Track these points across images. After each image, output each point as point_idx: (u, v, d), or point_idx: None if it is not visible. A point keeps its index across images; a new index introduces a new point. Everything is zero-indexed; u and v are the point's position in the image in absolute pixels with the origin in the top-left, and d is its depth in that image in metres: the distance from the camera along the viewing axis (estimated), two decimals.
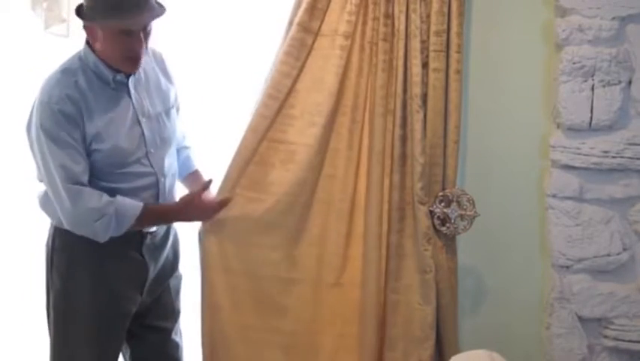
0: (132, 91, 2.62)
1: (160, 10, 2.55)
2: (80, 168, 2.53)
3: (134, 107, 2.62)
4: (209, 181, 2.73)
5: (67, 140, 2.50)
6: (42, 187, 2.66)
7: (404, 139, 2.69)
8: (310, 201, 2.76)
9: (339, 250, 2.77)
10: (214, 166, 2.87)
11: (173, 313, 2.84)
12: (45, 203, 2.64)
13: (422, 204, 2.70)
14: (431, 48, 2.66)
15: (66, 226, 2.57)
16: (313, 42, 2.70)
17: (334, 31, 2.68)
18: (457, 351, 2.69)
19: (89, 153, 2.55)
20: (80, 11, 2.55)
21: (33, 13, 3.25)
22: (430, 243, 2.71)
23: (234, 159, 2.74)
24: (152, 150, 2.66)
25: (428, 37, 2.66)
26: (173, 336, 2.84)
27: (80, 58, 2.58)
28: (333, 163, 2.75)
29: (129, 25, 2.50)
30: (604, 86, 2.60)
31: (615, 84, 2.60)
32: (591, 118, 2.61)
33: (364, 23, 2.68)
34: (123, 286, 2.66)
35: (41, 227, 2.78)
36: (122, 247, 2.62)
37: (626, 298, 2.68)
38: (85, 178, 2.54)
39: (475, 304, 2.89)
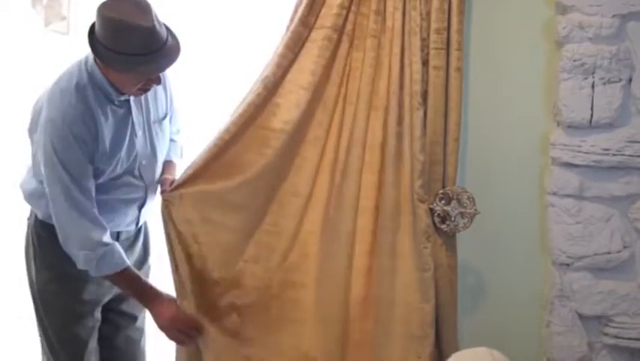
0: (133, 106, 2.63)
1: (177, 46, 2.51)
2: (88, 185, 2.55)
3: (132, 123, 2.63)
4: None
5: (76, 161, 2.51)
6: (30, 181, 2.67)
7: (400, 136, 2.69)
8: (277, 188, 2.75)
9: (297, 245, 2.76)
10: None
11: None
12: (35, 198, 2.65)
13: (422, 202, 2.70)
14: (431, 46, 2.66)
15: (60, 236, 2.58)
16: (307, 35, 2.70)
17: (324, 24, 2.68)
18: (456, 349, 2.69)
19: (92, 170, 2.57)
20: (92, 41, 2.48)
21: (33, 11, 3.25)
22: (429, 241, 2.71)
23: (213, 141, 2.72)
24: (143, 162, 2.69)
25: (428, 34, 2.66)
26: (139, 323, 2.92)
27: (87, 71, 2.53)
28: (308, 153, 2.74)
29: (149, 75, 2.51)
30: (604, 84, 2.60)
31: (616, 82, 2.60)
32: (592, 116, 2.61)
33: (356, 19, 2.68)
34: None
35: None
36: None
37: (627, 296, 2.68)
38: (93, 201, 2.56)
39: (475, 302, 2.89)
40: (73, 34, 3.22)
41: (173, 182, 2.74)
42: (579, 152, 2.62)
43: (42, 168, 2.54)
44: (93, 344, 2.80)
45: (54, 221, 2.59)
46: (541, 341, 2.80)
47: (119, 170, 2.64)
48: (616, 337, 2.69)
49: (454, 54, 2.65)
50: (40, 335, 2.81)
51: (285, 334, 2.77)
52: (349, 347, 2.77)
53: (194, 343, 2.73)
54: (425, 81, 2.67)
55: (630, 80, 2.60)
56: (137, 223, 2.81)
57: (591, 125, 2.61)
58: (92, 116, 2.52)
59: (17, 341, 3.47)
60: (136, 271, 2.70)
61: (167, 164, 2.85)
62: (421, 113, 2.66)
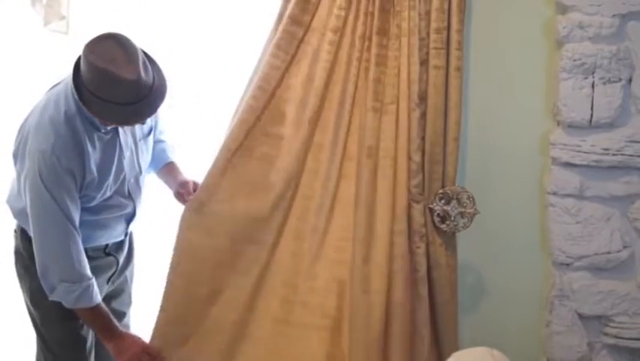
0: (120, 131, 2.62)
1: (162, 90, 2.49)
2: (74, 215, 2.54)
3: (120, 145, 2.62)
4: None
5: (63, 191, 2.49)
6: (18, 200, 2.65)
7: (398, 136, 2.68)
8: (294, 195, 2.75)
9: (312, 250, 2.76)
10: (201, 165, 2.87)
11: (129, 299, 2.96)
12: (25, 215, 2.62)
13: (416, 202, 2.69)
14: (431, 45, 2.66)
15: (39, 266, 2.56)
16: (303, 36, 2.69)
17: (324, 26, 2.68)
18: (456, 349, 2.69)
19: (81, 197, 2.56)
20: (76, 80, 2.45)
21: (32, 10, 3.24)
22: (422, 241, 2.71)
23: (221, 151, 2.73)
24: (131, 180, 2.69)
25: (428, 34, 2.66)
26: (126, 320, 2.94)
27: (74, 100, 2.49)
28: (317, 158, 2.74)
29: (132, 124, 2.52)
30: (604, 84, 2.60)
31: (616, 81, 2.59)
32: (591, 115, 2.61)
33: (356, 18, 2.67)
34: (98, 278, 2.70)
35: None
36: (97, 250, 2.72)
37: (626, 296, 2.68)
38: (77, 225, 2.55)
39: (475, 302, 2.89)
40: (72, 33, 3.21)
41: (194, 185, 2.77)
42: (579, 151, 2.62)
43: (27, 195, 2.51)
44: (91, 342, 2.81)
45: (35, 250, 2.56)
46: (540, 340, 2.80)
47: (108, 193, 2.64)
48: (616, 337, 2.69)
49: (454, 54, 2.65)
50: (40, 347, 2.80)
51: (311, 340, 2.77)
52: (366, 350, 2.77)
53: None
54: (425, 81, 2.67)
55: (630, 79, 2.60)
56: (126, 234, 2.84)
57: (591, 125, 2.61)
58: (80, 146, 2.50)
59: (17, 340, 3.46)
60: (105, 309, 2.69)
61: (171, 165, 2.87)
62: (417, 113, 2.66)
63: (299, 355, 2.76)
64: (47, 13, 3.19)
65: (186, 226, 2.74)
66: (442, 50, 2.65)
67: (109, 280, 2.83)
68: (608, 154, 2.61)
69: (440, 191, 2.72)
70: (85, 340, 2.78)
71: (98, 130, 2.55)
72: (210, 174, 2.73)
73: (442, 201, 2.71)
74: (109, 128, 2.57)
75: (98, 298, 2.64)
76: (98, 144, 2.56)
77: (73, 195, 2.52)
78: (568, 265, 2.69)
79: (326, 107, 2.72)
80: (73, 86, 2.45)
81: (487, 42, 2.75)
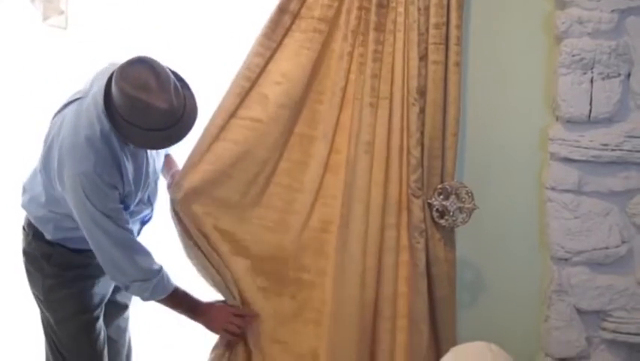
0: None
1: (193, 115, 2.53)
2: (127, 223, 2.59)
3: (147, 155, 2.66)
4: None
5: (111, 204, 2.53)
6: (37, 210, 2.68)
7: (401, 131, 2.69)
8: (268, 182, 2.75)
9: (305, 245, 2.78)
10: None
11: None
12: (44, 222, 2.67)
13: (416, 197, 2.70)
14: (430, 41, 2.65)
15: (110, 274, 2.63)
16: (291, 24, 2.68)
17: (312, 15, 2.66)
18: (455, 343, 2.69)
19: None
20: (108, 103, 2.47)
21: (31, 5, 3.24)
22: (421, 236, 2.71)
23: (203, 135, 2.71)
24: (152, 185, 2.73)
25: (427, 29, 2.65)
26: (128, 312, 2.97)
27: (107, 118, 2.50)
28: (302, 149, 2.73)
29: (161, 148, 2.59)
30: (603, 79, 2.60)
31: (614, 77, 2.59)
32: (590, 111, 2.61)
33: (349, 12, 2.66)
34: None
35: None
36: None
37: (625, 291, 2.68)
38: (132, 232, 2.63)
39: (474, 297, 2.89)
40: (71, 28, 3.20)
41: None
42: (578, 147, 2.62)
43: (76, 216, 2.54)
44: (104, 337, 2.82)
45: (100, 261, 2.60)
46: (539, 335, 2.81)
47: (138, 200, 2.67)
48: (614, 331, 2.70)
49: (453, 49, 2.65)
50: (51, 351, 2.80)
51: (300, 334, 2.79)
52: (361, 346, 2.77)
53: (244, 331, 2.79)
54: (424, 76, 2.67)
55: (629, 75, 2.60)
56: (138, 233, 2.85)
57: (590, 120, 2.61)
58: (117, 162, 2.53)
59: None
60: (181, 288, 2.73)
61: (168, 158, 2.88)
62: (416, 108, 2.66)
63: None
64: (46, 8, 3.18)
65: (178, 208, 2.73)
66: (441, 46, 2.65)
67: None
68: (606, 149, 2.61)
69: (439, 186, 2.72)
70: (98, 335, 2.78)
71: (129, 145, 2.58)
72: (190, 159, 2.72)
73: (441, 197, 2.71)
74: None
75: (171, 285, 2.67)
76: (130, 157, 2.59)
77: (120, 207, 2.57)
78: (566, 260, 2.69)
79: (312, 99, 2.71)
80: (104, 108, 2.47)
81: (486, 37, 2.75)
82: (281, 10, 2.66)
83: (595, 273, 2.69)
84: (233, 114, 2.70)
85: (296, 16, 2.67)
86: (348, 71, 2.68)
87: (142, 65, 2.42)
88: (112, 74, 2.46)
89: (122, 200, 2.58)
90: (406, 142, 2.68)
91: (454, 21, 2.63)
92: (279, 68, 2.69)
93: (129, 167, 2.58)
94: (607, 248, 2.67)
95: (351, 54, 2.67)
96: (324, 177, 2.75)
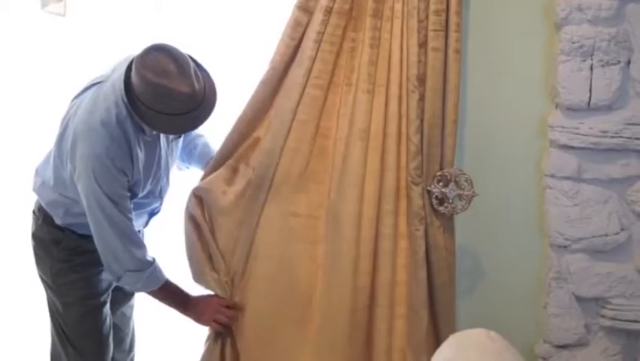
0: (162, 138, 2.68)
1: (213, 99, 2.54)
2: (129, 211, 2.61)
3: (159, 148, 2.67)
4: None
5: (120, 189, 2.55)
6: (49, 194, 2.69)
7: (399, 118, 2.69)
8: (274, 173, 2.75)
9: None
10: None
11: None
12: (55, 206, 2.69)
13: (415, 184, 2.70)
14: (430, 27, 2.64)
15: (105, 261, 2.64)
16: (308, 21, 2.68)
17: (320, 8, 2.66)
18: (454, 330, 2.69)
19: None
20: (128, 92, 2.49)
21: None
22: (421, 223, 2.71)
23: (230, 134, 2.75)
24: (164, 180, 2.74)
25: (427, 16, 2.64)
26: (133, 300, 2.98)
27: (125, 105, 2.53)
28: (298, 137, 2.73)
29: (185, 132, 2.62)
30: (603, 66, 2.59)
31: (614, 64, 2.59)
32: (590, 98, 2.61)
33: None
34: None
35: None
36: None
37: (624, 278, 2.69)
38: (132, 222, 2.63)
39: (473, 284, 2.89)
40: (70, 16, 3.20)
41: None
42: (577, 134, 2.62)
43: (82, 197, 2.56)
44: (110, 324, 2.84)
45: (97, 246, 2.62)
46: (538, 322, 2.81)
47: (146, 192, 2.69)
48: (613, 319, 2.70)
49: (452, 36, 2.64)
50: (57, 341, 2.82)
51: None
52: (356, 332, 2.78)
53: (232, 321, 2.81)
54: (424, 63, 2.66)
55: (629, 62, 2.60)
56: (146, 224, 2.87)
57: (589, 108, 2.61)
58: (130, 148, 2.55)
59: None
60: (172, 281, 2.75)
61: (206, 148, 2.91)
62: (416, 95, 2.65)
63: None
64: None
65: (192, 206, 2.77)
66: (440, 32, 2.64)
67: None
68: (606, 137, 2.61)
69: (438, 173, 2.72)
70: (104, 320, 2.80)
71: (144, 133, 2.60)
72: (219, 158, 2.78)
73: (441, 184, 2.71)
74: (153, 132, 2.62)
75: (163, 278, 2.70)
76: (143, 147, 2.60)
77: (126, 193, 2.58)
78: (565, 247, 2.69)
79: (310, 85, 2.70)
80: (125, 96, 2.49)
81: (486, 24, 2.74)
82: (299, 9, 2.66)
83: (594, 260, 2.69)
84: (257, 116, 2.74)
85: (312, 13, 2.66)
86: (337, 55, 2.67)
87: (160, 52, 2.45)
88: (130, 63, 2.49)
89: (130, 188, 2.60)
90: (405, 129, 2.68)
91: (453, 8, 2.62)
92: (292, 63, 2.71)
93: (141, 156, 2.59)
94: (606, 235, 2.67)
95: (351, 40, 2.67)
96: (311, 162, 2.75)
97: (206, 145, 2.91)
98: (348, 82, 2.69)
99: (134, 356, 3.03)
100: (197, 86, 2.47)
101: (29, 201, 2.83)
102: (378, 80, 2.67)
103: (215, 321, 2.78)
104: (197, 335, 2.91)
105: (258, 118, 2.75)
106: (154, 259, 2.68)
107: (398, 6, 2.63)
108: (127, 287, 2.74)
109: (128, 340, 3.00)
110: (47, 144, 2.72)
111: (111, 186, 2.53)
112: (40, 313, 2.91)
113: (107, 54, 3.21)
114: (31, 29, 3.40)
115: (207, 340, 2.86)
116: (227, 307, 2.78)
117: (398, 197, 2.73)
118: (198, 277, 2.82)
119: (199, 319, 2.79)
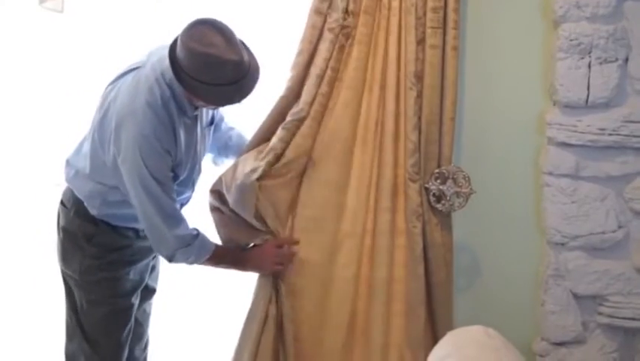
0: (198, 123, 2.68)
1: (257, 67, 2.54)
2: (174, 192, 2.62)
3: (196, 133, 2.68)
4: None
5: (166, 170, 2.57)
6: (87, 183, 2.67)
7: (397, 115, 2.69)
8: (304, 169, 2.75)
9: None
10: None
11: (158, 276, 2.98)
12: (92, 198, 2.68)
13: (413, 181, 2.70)
14: (428, 24, 2.64)
15: (154, 242, 2.65)
16: (323, 24, 2.69)
17: (328, 5, 2.67)
18: (451, 327, 2.69)
19: None
20: (175, 67, 2.49)
21: None
22: (418, 220, 2.71)
23: (255, 135, 2.77)
24: (196, 167, 2.74)
25: (424, 13, 2.64)
26: (154, 298, 2.97)
27: (168, 85, 2.54)
28: (301, 133, 2.72)
29: (235, 102, 2.56)
30: (601, 64, 2.59)
31: (612, 61, 2.59)
32: (588, 95, 2.61)
33: None
34: (145, 259, 2.82)
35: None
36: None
37: (621, 276, 2.69)
38: (176, 201, 2.64)
39: (471, 281, 2.90)
40: (67, 12, 3.20)
41: None
42: (575, 131, 2.62)
43: (128, 183, 2.56)
44: (131, 326, 2.83)
45: (146, 231, 2.64)
46: (535, 320, 2.81)
47: (183, 176, 2.69)
48: (610, 316, 2.71)
49: (450, 33, 2.64)
50: (76, 324, 2.79)
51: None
52: (354, 326, 2.79)
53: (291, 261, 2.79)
54: (421, 60, 2.66)
55: (627, 59, 2.60)
56: None
57: (587, 105, 2.61)
58: (174, 129, 2.57)
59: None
60: (221, 247, 2.76)
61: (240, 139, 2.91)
62: (414, 92, 2.65)
63: None
64: None
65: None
66: (438, 30, 2.64)
67: (153, 258, 2.88)
68: (604, 134, 2.61)
69: (436, 170, 2.72)
70: (127, 322, 2.79)
71: (185, 115, 2.61)
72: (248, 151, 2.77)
73: (438, 181, 2.71)
74: (194, 114, 2.63)
75: (212, 244, 2.70)
76: (183, 128, 2.61)
77: (170, 175, 2.60)
78: (563, 244, 2.69)
79: (309, 82, 2.70)
80: (172, 73, 2.50)
81: (484, 21, 2.74)
82: (314, 12, 2.66)
83: (591, 258, 2.70)
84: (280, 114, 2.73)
85: (327, 15, 2.66)
86: (330, 52, 2.67)
87: (205, 25, 2.47)
88: (174, 42, 2.50)
89: (173, 169, 2.61)
90: (403, 126, 2.68)
91: (451, 5, 2.63)
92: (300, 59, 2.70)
93: (182, 136, 2.60)
94: (604, 233, 2.67)
95: (347, 36, 2.67)
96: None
97: (240, 136, 2.91)
98: (337, 77, 2.69)
99: (147, 354, 3.02)
100: (244, 54, 2.49)
101: (29, 197, 2.81)
102: (375, 78, 2.67)
103: (277, 264, 2.76)
104: (200, 335, 2.91)
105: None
106: (197, 230, 2.68)
107: (395, 3, 2.63)
108: (183, 263, 2.71)
109: (145, 338, 2.99)
110: (47, 140, 2.71)
111: (157, 167, 2.54)
112: (43, 310, 2.88)
113: (105, 50, 3.22)
114: (28, 25, 3.40)
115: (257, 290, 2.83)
116: (280, 246, 2.76)
117: (396, 194, 2.73)
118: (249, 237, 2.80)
119: (261, 269, 2.78)
